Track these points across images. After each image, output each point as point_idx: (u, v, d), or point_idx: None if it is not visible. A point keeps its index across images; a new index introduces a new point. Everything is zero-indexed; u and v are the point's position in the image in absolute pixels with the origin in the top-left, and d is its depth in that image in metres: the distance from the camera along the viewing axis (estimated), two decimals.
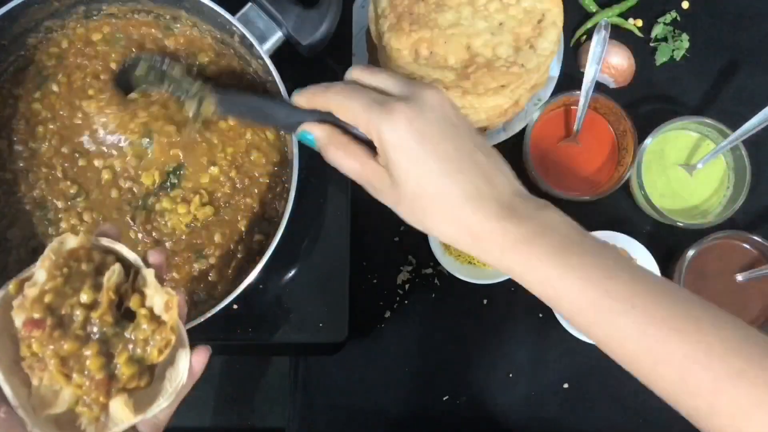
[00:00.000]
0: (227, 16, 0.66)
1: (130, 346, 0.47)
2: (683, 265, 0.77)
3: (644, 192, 0.79)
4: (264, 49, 0.66)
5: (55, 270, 0.48)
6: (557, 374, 0.82)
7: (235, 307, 0.70)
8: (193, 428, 0.82)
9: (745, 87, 0.86)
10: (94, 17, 0.71)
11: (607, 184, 0.80)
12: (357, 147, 0.53)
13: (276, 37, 0.67)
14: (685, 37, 0.86)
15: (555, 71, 0.83)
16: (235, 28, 0.66)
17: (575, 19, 0.86)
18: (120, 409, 0.47)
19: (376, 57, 0.78)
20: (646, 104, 0.86)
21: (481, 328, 0.83)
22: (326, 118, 0.55)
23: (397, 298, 0.83)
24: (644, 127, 0.79)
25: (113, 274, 0.48)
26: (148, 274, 0.49)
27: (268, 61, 0.66)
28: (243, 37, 0.66)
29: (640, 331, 0.44)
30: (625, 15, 0.87)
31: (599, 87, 0.83)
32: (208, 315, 0.64)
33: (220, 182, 0.69)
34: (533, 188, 0.80)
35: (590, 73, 0.78)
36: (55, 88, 0.69)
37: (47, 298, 0.47)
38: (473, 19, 0.73)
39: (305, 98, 0.56)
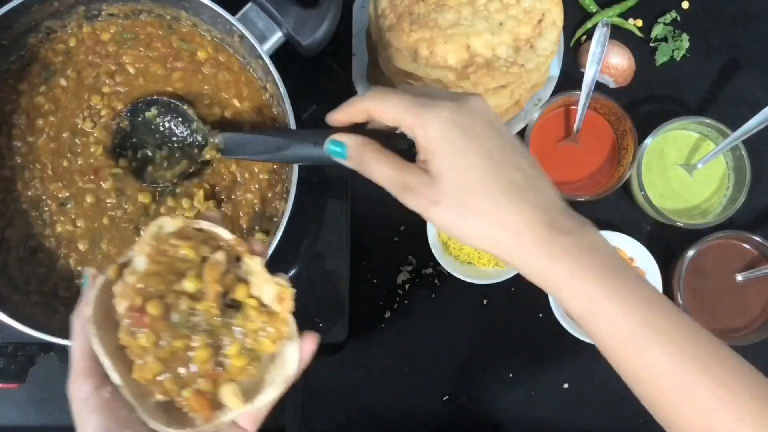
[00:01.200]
0: (227, 16, 0.66)
1: (240, 338, 0.45)
2: (683, 265, 0.77)
3: (644, 192, 0.79)
4: (264, 49, 0.66)
5: (156, 256, 0.45)
6: (557, 374, 0.82)
7: None
8: None
9: (745, 87, 0.86)
10: (96, 17, 0.71)
11: (607, 184, 0.80)
12: (390, 153, 0.51)
13: (276, 37, 0.67)
14: (685, 37, 0.86)
15: (555, 71, 0.83)
16: (235, 28, 0.66)
17: (575, 19, 0.86)
18: (228, 398, 0.45)
19: (376, 57, 0.78)
20: (646, 104, 0.86)
21: (481, 328, 0.83)
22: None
23: (397, 298, 0.83)
24: (644, 127, 0.79)
25: (218, 264, 0.45)
26: (255, 262, 0.46)
27: (268, 61, 0.66)
28: (243, 37, 0.66)
29: (672, 366, 0.44)
30: (625, 15, 0.87)
31: (599, 87, 0.83)
32: None
33: (221, 174, 0.70)
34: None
35: (590, 73, 0.78)
36: (63, 82, 0.70)
37: (150, 285, 0.44)
38: (473, 19, 0.73)
39: (342, 112, 0.54)
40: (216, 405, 0.45)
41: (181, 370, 0.44)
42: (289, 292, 0.45)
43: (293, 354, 0.46)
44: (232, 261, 0.47)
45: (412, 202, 0.49)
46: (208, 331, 0.44)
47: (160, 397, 0.44)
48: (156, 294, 0.44)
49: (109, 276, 0.45)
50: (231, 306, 0.46)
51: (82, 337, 0.45)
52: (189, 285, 0.44)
